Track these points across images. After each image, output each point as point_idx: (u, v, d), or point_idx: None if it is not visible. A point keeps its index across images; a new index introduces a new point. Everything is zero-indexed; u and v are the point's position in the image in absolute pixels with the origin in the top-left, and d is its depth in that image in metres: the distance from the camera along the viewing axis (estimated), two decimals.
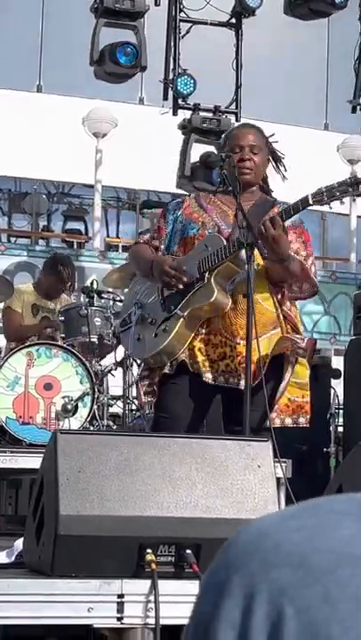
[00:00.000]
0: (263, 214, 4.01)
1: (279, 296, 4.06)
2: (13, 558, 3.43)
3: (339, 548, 0.77)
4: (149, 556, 2.88)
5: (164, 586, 2.85)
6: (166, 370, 3.98)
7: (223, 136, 4.50)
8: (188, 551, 2.93)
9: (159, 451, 3.02)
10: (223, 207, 4.15)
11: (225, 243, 3.94)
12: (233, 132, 4.38)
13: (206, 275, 3.96)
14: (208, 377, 3.94)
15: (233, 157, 4.01)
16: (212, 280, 3.95)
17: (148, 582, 2.85)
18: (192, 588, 2.88)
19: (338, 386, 7.24)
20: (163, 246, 4.16)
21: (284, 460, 5.78)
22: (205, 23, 8.35)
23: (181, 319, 3.97)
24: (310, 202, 3.88)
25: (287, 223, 3.94)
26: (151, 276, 4.10)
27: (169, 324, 4.01)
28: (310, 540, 0.78)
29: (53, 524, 2.86)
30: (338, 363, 7.69)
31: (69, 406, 6.31)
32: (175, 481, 2.99)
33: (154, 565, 2.87)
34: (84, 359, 6.27)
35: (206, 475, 3.03)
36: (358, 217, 11.73)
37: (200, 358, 3.95)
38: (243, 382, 3.86)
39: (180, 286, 3.96)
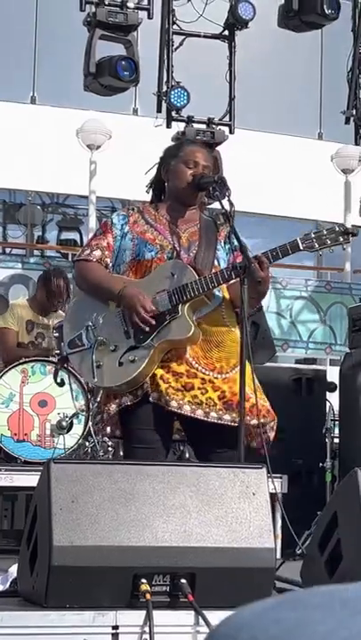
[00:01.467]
0: (214, 236, 4.02)
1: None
2: (8, 585, 3.41)
3: None
4: (144, 586, 2.87)
5: (159, 616, 2.84)
6: (128, 401, 3.90)
7: (171, 147, 4.40)
8: (183, 581, 2.92)
9: (153, 479, 3.01)
10: (172, 226, 4.06)
11: (196, 276, 3.87)
12: (189, 146, 4.29)
13: (180, 307, 3.89)
14: (173, 405, 3.83)
15: (224, 179, 3.98)
16: (185, 312, 3.89)
17: (142, 613, 2.83)
18: (187, 618, 2.87)
19: (333, 399, 7.23)
20: (111, 264, 4.04)
21: (278, 475, 5.79)
22: (198, 35, 8.35)
23: (152, 350, 3.87)
24: (301, 247, 3.87)
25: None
26: (115, 304, 3.98)
27: (137, 353, 3.89)
28: (287, 635, 0.77)
29: (47, 555, 2.85)
30: (333, 373, 7.68)
31: (64, 423, 6.29)
32: (169, 510, 2.98)
33: (148, 595, 2.85)
34: (78, 375, 6.24)
35: (201, 503, 3.01)
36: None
37: (163, 386, 3.85)
38: (213, 414, 3.83)
39: (147, 329, 3.90)
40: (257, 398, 3.80)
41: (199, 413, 3.83)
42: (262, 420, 3.83)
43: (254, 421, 3.79)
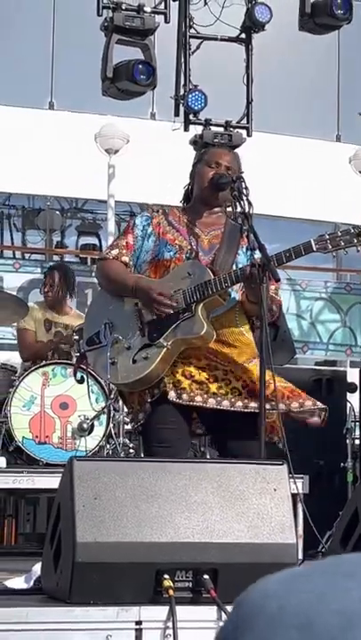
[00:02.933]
0: (237, 241, 4.04)
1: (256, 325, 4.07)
2: (32, 583, 3.44)
3: (349, 610, 0.77)
4: (167, 582, 2.89)
5: (182, 612, 2.85)
6: (148, 399, 3.95)
7: (198, 152, 4.45)
8: (206, 576, 2.93)
9: (175, 476, 3.02)
10: (195, 229, 4.10)
11: (212, 276, 3.91)
12: (212, 148, 4.36)
13: (194, 306, 3.92)
14: (198, 400, 3.87)
15: (242, 178, 4.01)
16: (199, 312, 3.92)
17: (165, 608, 2.85)
18: (210, 613, 2.89)
19: (353, 399, 7.22)
20: (132, 262, 4.08)
21: (300, 476, 5.79)
22: (215, 39, 8.37)
23: (165, 349, 3.90)
24: (314, 248, 3.88)
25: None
26: (132, 298, 4.02)
27: (150, 352, 3.92)
28: (319, 602, 0.78)
29: (71, 552, 2.87)
30: (353, 374, 7.67)
31: (85, 425, 6.32)
32: (191, 506, 2.99)
33: (171, 591, 2.87)
34: (99, 377, 6.27)
35: (222, 499, 3.03)
36: None
37: (185, 383, 3.89)
38: (239, 403, 3.86)
39: (170, 312, 3.93)
40: (275, 383, 3.81)
41: (225, 404, 3.87)
42: (291, 404, 3.86)
43: (282, 406, 3.82)
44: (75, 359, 6.56)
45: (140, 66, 7.78)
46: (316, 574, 0.80)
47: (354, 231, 3.92)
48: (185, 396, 3.88)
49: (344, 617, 0.76)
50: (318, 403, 4.02)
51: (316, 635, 0.76)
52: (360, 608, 0.76)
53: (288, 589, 0.80)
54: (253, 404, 3.84)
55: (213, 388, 3.88)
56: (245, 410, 3.86)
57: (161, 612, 2.86)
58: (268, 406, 3.77)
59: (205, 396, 3.88)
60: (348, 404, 7.18)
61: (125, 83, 7.82)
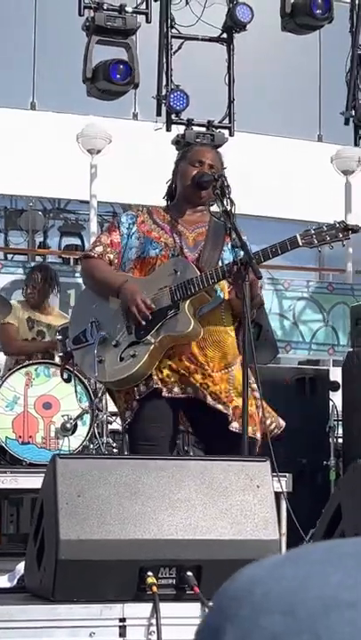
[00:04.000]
0: (222, 238, 4.05)
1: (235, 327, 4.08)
2: (15, 582, 3.43)
3: (328, 595, 0.78)
4: (150, 579, 2.89)
5: (166, 609, 2.86)
6: (136, 396, 3.95)
7: (180, 151, 4.46)
8: (189, 573, 2.94)
9: (158, 473, 3.03)
10: (179, 227, 4.11)
11: (198, 273, 3.92)
12: (195, 146, 4.37)
13: (180, 303, 3.93)
14: (189, 392, 3.91)
15: (224, 176, 4.02)
16: (186, 308, 3.93)
17: (149, 605, 2.86)
18: (193, 610, 2.89)
19: (336, 398, 7.25)
20: (117, 261, 4.08)
21: (283, 474, 5.81)
22: (197, 39, 8.39)
23: (152, 346, 3.91)
24: (300, 243, 3.89)
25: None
26: (116, 300, 4.02)
27: (138, 349, 3.93)
28: (300, 588, 0.79)
29: (54, 549, 2.87)
30: (336, 373, 7.70)
31: (69, 425, 6.32)
32: (175, 503, 3.00)
33: (155, 588, 2.87)
34: (83, 377, 6.27)
35: (205, 496, 3.03)
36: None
37: (175, 376, 3.92)
38: (219, 406, 3.87)
39: (143, 323, 3.93)
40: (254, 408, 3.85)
41: (209, 400, 3.88)
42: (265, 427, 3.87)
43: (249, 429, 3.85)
44: (57, 358, 6.56)
45: (116, 65, 7.78)
46: (302, 560, 0.81)
47: (339, 225, 3.93)
48: (176, 389, 3.90)
49: (323, 602, 0.77)
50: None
51: (298, 620, 0.77)
52: (338, 593, 0.77)
53: (273, 575, 0.80)
54: (220, 407, 3.87)
55: (192, 379, 3.90)
56: (225, 412, 3.87)
57: (145, 609, 2.86)
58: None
59: (195, 386, 3.90)
60: (331, 403, 7.21)
61: (103, 83, 7.83)
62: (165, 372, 3.91)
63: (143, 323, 3.91)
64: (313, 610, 0.77)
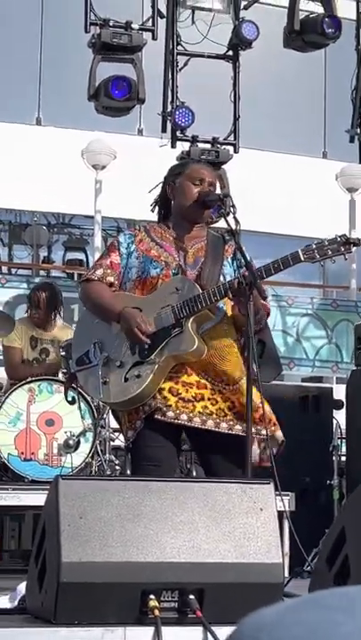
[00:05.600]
0: (221, 252, 4.04)
1: (242, 341, 4.06)
2: (16, 603, 3.41)
3: None
4: (152, 602, 2.87)
5: (168, 632, 2.83)
6: (143, 415, 3.92)
7: (176, 165, 4.43)
8: (192, 596, 2.92)
9: (161, 495, 3.01)
10: (178, 243, 4.09)
11: (200, 290, 3.90)
12: (193, 164, 4.33)
13: (183, 321, 3.91)
14: (183, 418, 3.87)
15: (230, 195, 4.01)
16: (190, 327, 3.91)
17: (151, 629, 2.83)
18: (196, 634, 2.87)
19: (340, 416, 7.22)
20: (117, 282, 4.07)
21: (286, 493, 5.78)
22: (203, 56, 8.40)
23: (156, 366, 3.89)
24: (302, 258, 3.87)
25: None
26: (115, 323, 4.01)
27: (142, 369, 3.90)
28: (310, 636, 0.77)
29: (56, 572, 2.85)
30: (340, 391, 7.68)
31: (71, 442, 6.30)
32: (177, 525, 2.98)
33: (157, 611, 2.85)
34: (85, 394, 6.25)
35: (208, 519, 3.01)
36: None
37: (172, 400, 3.88)
38: (224, 425, 3.85)
39: (146, 343, 3.91)
40: (264, 408, 3.82)
41: (210, 424, 3.86)
42: (270, 432, 3.85)
43: (265, 431, 3.81)
44: (61, 375, 6.55)
45: (117, 82, 7.79)
46: (308, 607, 0.80)
47: (340, 239, 3.91)
48: (170, 414, 3.87)
49: None
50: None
51: None
52: None
53: (281, 622, 0.79)
54: (239, 427, 3.84)
55: (199, 407, 3.87)
56: (230, 432, 3.85)
57: (147, 632, 2.84)
58: (252, 430, 3.77)
59: (191, 414, 3.86)
60: (335, 421, 7.18)
61: (105, 99, 7.83)
62: (165, 393, 3.89)
63: (146, 345, 3.90)
64: None
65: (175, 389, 3.89)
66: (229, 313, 4.01)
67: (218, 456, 3.91)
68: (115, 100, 7.78)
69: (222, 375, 3.92)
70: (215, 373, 3.92)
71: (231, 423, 3.85)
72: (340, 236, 3.92)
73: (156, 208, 4.30)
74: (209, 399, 3.88)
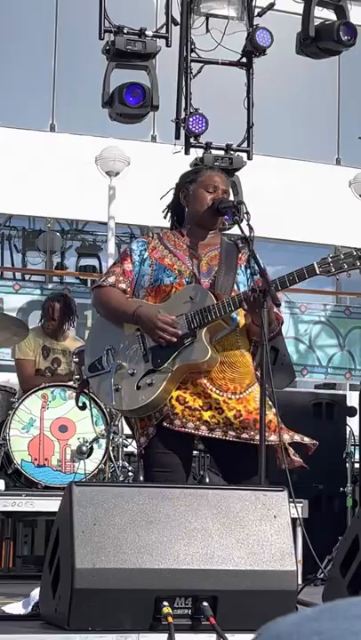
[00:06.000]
0: (234, 261, 4.04)
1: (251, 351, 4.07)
2: (29, 609, 3.42)
3: None
4: (166, 609, 2.87)
5: (181, 639, 2.83)
6: (155, 422, 3.93)
7: (188, 172, 4.44)
8: (205, 604, 2.92)
9: (175, 502, 3.01)
10: (191, 251, 4.10)
11: (214, 300, 3.90)
12: (206, 171, 4.34)
13: (197, 330, 3.92)
14: (190, 427, 3.88)
15: (244, 203, 4.02)
16: (203, 336, 3.91)
17: (164, 636, 2.83)
18: None
19: (353, 423, 7.21)
20: (130, 289, 4.08)
21: (299, 500, 5.78)
22: (217, 63, 8.40)
23: (169, 374, 3.89)
24: (317, 271, 3.88)
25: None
26: (132, 327, 4.01)
27: (155, 377, 3.91)
28: None
29: (69, 578, 2.86)
30: (353, 398, 7.66)
31: (84, 448, 6.31)
32: (191, 532, 2.98)
33: (170, 618, 2.85)
34: (98, 400, 6.25)
35: (222, 526, 3.01)
36: None
37: (179, 408, 3.89)
38: (231, 433, 3.85)
39: (174, 340, 3.92)
40: (276, 416, 3.82)
41: (217, 433, 3.87)
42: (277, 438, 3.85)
43: (273, 437, 3.81)
44: (74, 381, 6.56)
45: (131, 88, 7.80)
46: (326, 617, 0.80)
47: (356, 253, 3.92)
48: (177, 422, 3.88)
49: None
50: (305, 437, 4.01)
51: None
52: None
53: (299, 632, 0.79)
54: (245, 435, 3.85)
55: (206, 415, 3.89)
56: (238, 440, 3.85)
57: (160, 639, 2.83)
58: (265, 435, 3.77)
59: (198, 422, 3.87)
60: (348, 428, 7.17)
61: (119, 106, 7.84)
62: (172, 401, 3.90)
63: (174, 339, 3.89)
64: None
65: (182, 398, 3.90)
66: (242, 322, 4.02)
67: (233, 463, 3.92)
68: (129, 106, 7.79)
69: (230, 384, 3.93)
70: (222, 383, 3.93)
71: (238, 431, 3.86)
72: (356, 250, 3.94)
73: (169, 214, 4.31)
74: (216, 408, 3.89)
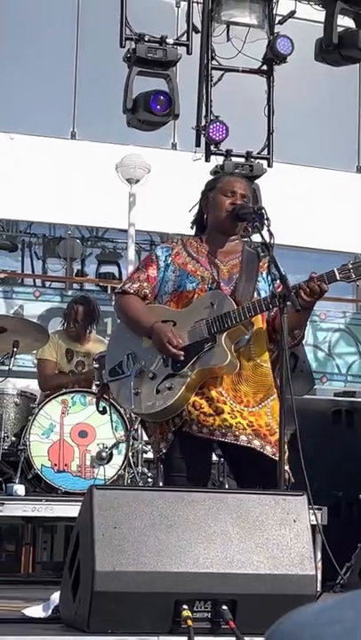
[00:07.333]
0: (256, 268, 4.05)
1: (273, 358, 4.07)
2: (50, 612, 3.43)
3: None
4: (185, 612, 2.88)
5: None
6: (172, 428, 3.95)
7: (210, 180, 4.47)
8: (225, 607, 2.93)
9: (194, 506, 3.03)
10: (214, 259, 4.12)
11: (235, 306, 3.92)
12: (226, 177, 4.37)
13: (217, 336, 3.94)
14: (205, 432, 3.90)
15: (264, 208, 4.02)
16: (223, 341, 3.93)
17: (184, 639, 2.84)
18: None
19: None
20: (151, 295, 4.10)
21: (318, 507, 5.77)
22: (237, 70, 8.42)
23: (188, 378, 3.92)
24: (338, 277, 3.89)
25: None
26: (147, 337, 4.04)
27: (174, 381, 3.93)
28: (349, 633, 0.78)
29: (90, 581, 2.87)
30: None
31: (104, 454, 6.32)
32: (211, 536, 2.99)
33: (190, 622, 2.86)
34: (118, 406, 6.27)
35: (242, 530, 3.02)
36: None
37: (194, 413, 3.91)
38: (243, 438, 3.87)
39: (179, 355, 3.93)
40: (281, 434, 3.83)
41: (230, 437, 3.88)
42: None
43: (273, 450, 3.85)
44: (94, 387, 6.57)
45: (157, 96, 7.83)
46: (347, 606, 0.81)
47: None
48: (194, 427, 3.91)
49: None
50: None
51: None
52: None
53: (321, 621, 0.80)
54: (257, 442, 3.88)
55: (218, 420, 3.91)
56: (249, 445, 3.87)
57: None
58: (272, 450, 3.81)
59: (212, 427, 3.90)
60: None
61: (144, 113, 7.87)
62: (188, 407, 3.92)
63: (181, 357, 3.93)
64: None
65: (198, 404, 3.92)
66: (261, 327, 4.03)
67: (242, 468, 3.95)
68: (155, 114, 7.81)
69: (243, 396, 3.94)
70: (234, 394, 3.95)
71: (250, 437, 3.88)
72: None
73: (195, 224, 4.34)
74: (229, 413, 3.91)
